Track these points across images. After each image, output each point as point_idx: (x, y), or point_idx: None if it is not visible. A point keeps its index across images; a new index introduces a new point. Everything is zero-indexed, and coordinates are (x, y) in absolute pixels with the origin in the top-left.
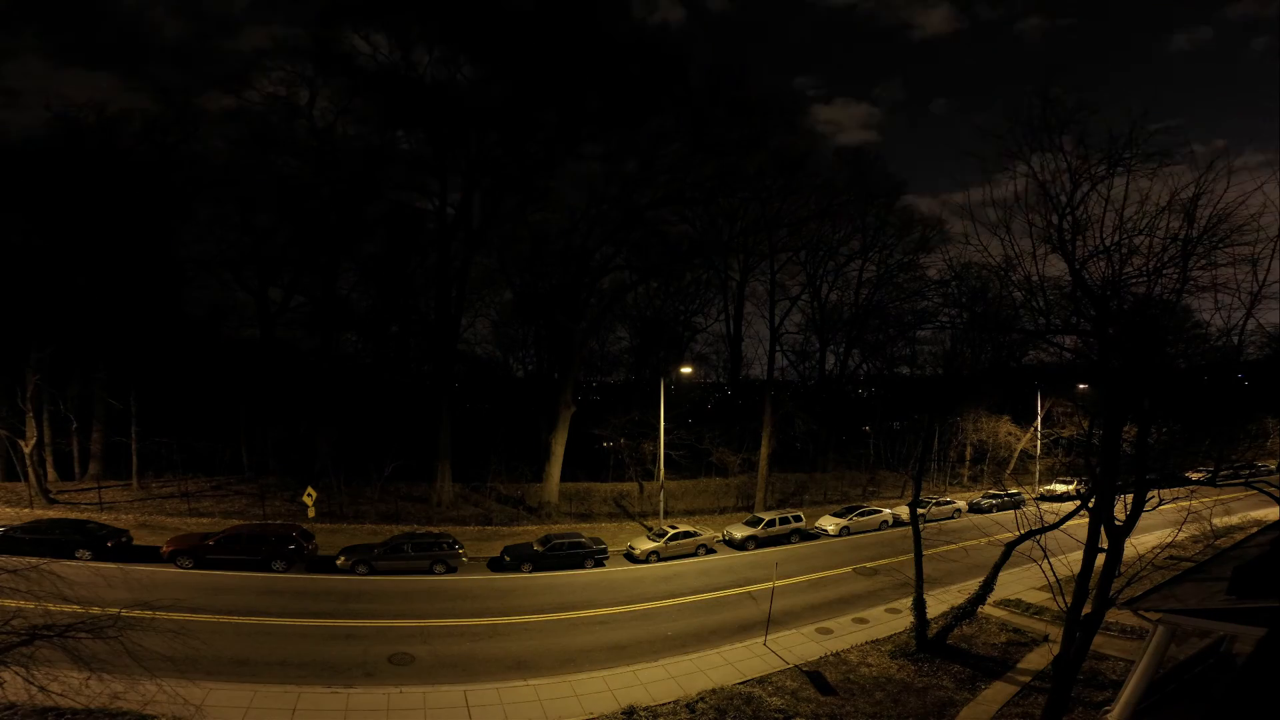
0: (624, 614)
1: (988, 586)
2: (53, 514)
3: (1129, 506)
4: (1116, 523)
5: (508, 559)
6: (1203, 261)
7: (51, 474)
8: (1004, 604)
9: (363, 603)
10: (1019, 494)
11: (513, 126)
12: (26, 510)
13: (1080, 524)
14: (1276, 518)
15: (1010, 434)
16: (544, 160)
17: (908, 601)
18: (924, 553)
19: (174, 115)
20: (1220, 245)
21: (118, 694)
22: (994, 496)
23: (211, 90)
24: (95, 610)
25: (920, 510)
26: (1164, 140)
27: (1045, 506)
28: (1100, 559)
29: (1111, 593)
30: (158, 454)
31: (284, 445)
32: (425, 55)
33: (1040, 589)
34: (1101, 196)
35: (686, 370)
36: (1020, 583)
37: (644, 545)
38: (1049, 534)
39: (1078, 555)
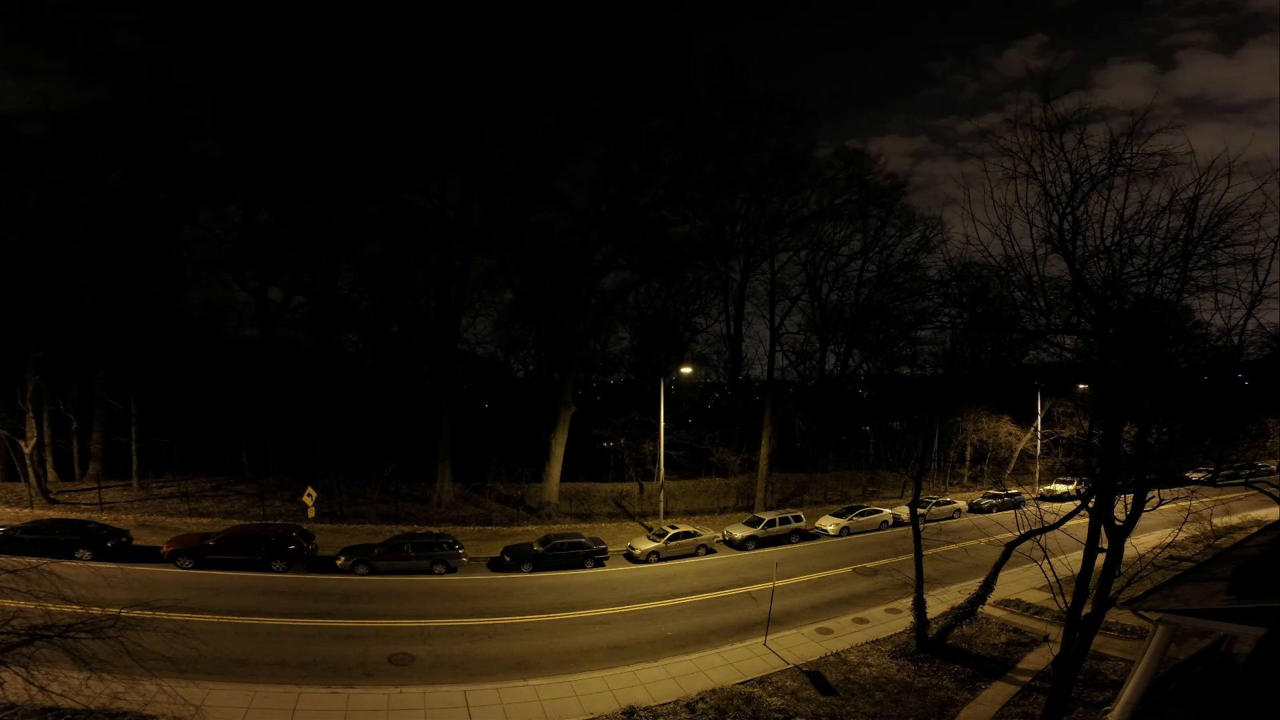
0: (624, 614)
1: (988, 586)
2: (53, 514)
3: (1129, 506)
4: (1116, 523)
5: (508, 559)
6: (1203, 261)
7: (51, 474)
8: (1004, 604)
9: (363, 603)
10: (1019, 494)
11: (513, 127)
12: (26, 510)
13: (1080, 524)
14: (1276, 518)
15: (1010, 434)
16: (544, 160)
17: (908, 601)
18: (924, 553)
19: (174, 115)
20: (1220, 245)
21: (118, 694)
22: (994, 496)
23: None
24: (95, 610)
25: (920, 510)
26: (1165, 140)
27: (1045, 506)
28: (1100, 559)
29: (1111, 593)
30: (158, 454)
31: (284, 445)
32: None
33: (1040, 589)
34: (1101, 196)
35: (687, 370)
36: (1020, 583)
37: (644, 545)
38: (1049, 534)
39: (1078, 555)
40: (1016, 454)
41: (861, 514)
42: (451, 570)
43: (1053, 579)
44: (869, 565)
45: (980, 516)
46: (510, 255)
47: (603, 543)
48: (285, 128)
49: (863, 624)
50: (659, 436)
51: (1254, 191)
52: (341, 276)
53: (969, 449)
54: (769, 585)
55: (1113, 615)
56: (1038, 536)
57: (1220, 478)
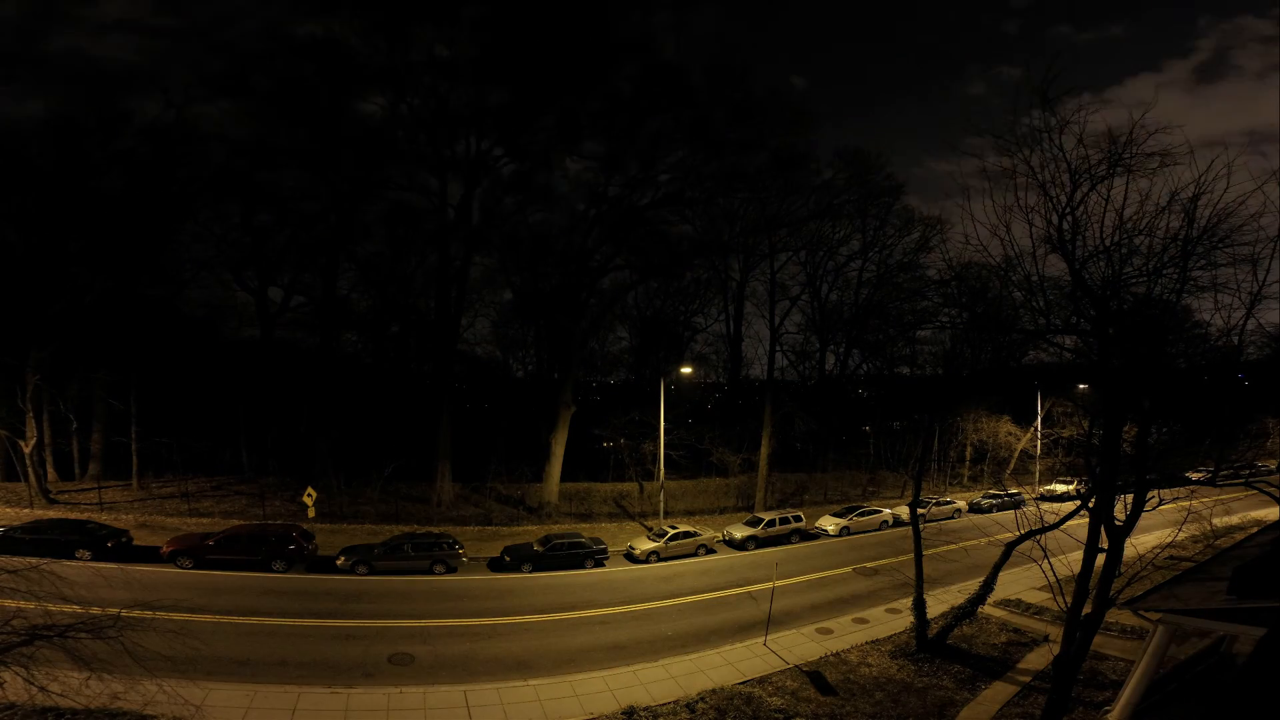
0: (624, 614)
1: (988, 586)
2: (53, 514)
3: (1129, 506)
4: (1116, 523)
5: (508, 559)
6: (1203, 261)
7: (51, 474)
8: (1004, 604)
9: (363, 603)
10: (1019, 494)
11: (512, 127)
12: (26, 510)
13: (1080, 524)
14: (1276, 518)
15: (1010, 434)
16: (543, 161)
17: (908, 601)
18: (924, 553)
19: (174, 115)
20: (1220, 245)
21: (118, 694)
22: (994, 496)
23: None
24: (95, 610)
25: (920, 510)
26: (1164, 139)
27: (1045, 506)
28: (1100, 559)
29: (1111, 593)
30: (158, 454)
31: (284, 445)
32: (425, 55)
33: (1040, 589)
34: (1101, 196)
35: (686, 370)
36: (1020, 583)
37: (644, 545)
38: (1049, 534)
39: (1078, 555)
40: (1016, 454)
41: (861, 514)
42: (451, 570)
43: (1053, 579)
44: (869, 565)
45: (980, 516)
46: (510, 255)
47: (603, 543)
48: (286, 128)
49: (863, 624)
50: (659, 436)
51: (1254, 191)
52: (341, 276)
53: (969, 449)
54: (769, 585)
55: (1113, 615)
56: (1038, 536)
57: (1220, 478)
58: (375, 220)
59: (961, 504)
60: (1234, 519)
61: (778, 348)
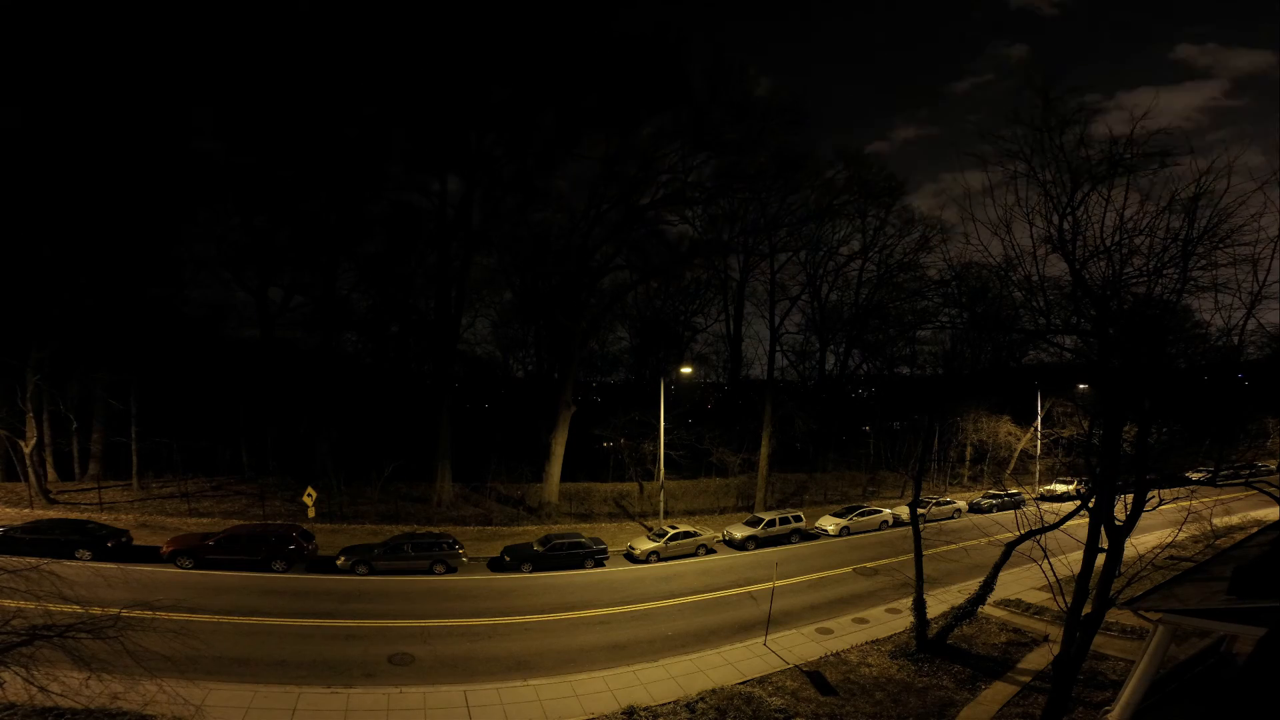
0: (624, 614)
1: (988, 586)
2: (53, 514)
3: (1129, 506)
4: (1116, 523)
5: (508, 559)
6: (1203, 261)
7: (51, 474)
8: (1004, 604)
9: (363, 603)
10: (1019, 494)
11: (512, 127)
12: (26, 510)
13: (1080, 524)
14: (1276, 518)
15: (1010, 434)
16: (543, 160)
17: (908, 601)
18: (924, 553)
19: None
20: (1220, 245)
21: (118, 694)
22: (994, 496)
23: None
24: (95, 610)
25: (920, 510)
26: (1164, 140)
27: (1045, 506)
28: (1100, 559)
29: (1111, 593)
30: (158, 454)
31: (284, 445)
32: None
33: (1040, 589)
34: (1101, 196)
35: (686, 370)
36: (1020, 583)
37: (644, 545)
38: (1049, 534)
39: (1078, 555)
40: (1016, 454)
41: (861, 514)
42: (451, 570)
43: (1053, 579)
44: (869, 565)
45: (980, 516)
46: (510, 255)
47: (603, 543)
48: (285, 128)
49: (863, 624)
50: (659, 436)
51: (1254, 191)
52: (341, 276)
53: (969, 449)
54: (769, 585)
55: (1113, 615)
56: (1038, 536)
57: (1220, 478)
58: (375, 220)
59: (961, 504)
60: (1234, 519)
61: (778, 348)
